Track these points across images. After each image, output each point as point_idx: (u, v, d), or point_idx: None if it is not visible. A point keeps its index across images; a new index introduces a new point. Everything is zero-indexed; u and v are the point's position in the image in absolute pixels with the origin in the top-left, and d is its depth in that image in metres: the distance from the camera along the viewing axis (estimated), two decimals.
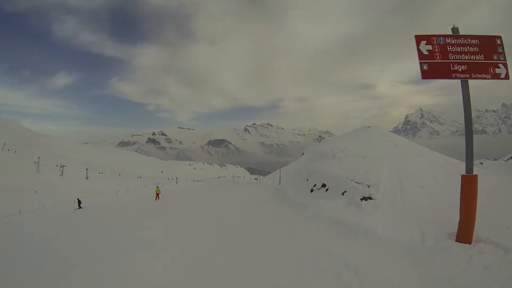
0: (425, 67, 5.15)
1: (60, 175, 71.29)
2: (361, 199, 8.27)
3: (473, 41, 5.19)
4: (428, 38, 5.20)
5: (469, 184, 4.98)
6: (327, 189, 10.29)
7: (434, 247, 4.90)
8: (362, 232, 6.30)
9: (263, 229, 7.78)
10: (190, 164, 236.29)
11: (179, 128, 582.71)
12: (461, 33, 5.25)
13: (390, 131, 21.50)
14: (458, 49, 5.19)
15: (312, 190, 11.11)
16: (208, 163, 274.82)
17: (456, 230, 5.07)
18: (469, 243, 4.78)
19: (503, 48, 5.19)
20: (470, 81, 5.16)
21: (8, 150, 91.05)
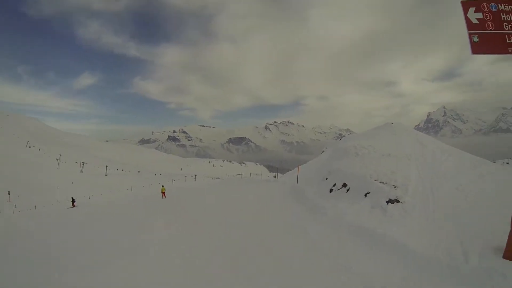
0: (475, 39, 4.21)
1: (81, 171, 73.95)
2: (387, 202, 7.29)
3: None
4: (477, 4, 4.26)
5: None
6: (348, 189, 9.36)
7: (481, 268, 4.02)
8: (389, 244, 5.33)
9: (274, 238, 6.72)
10: (209, 162, 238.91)
11: (200, 126, 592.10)
12: None
13: None
14: None
15: (331, 190, 10.21)
16: (227, 161, 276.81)
17: (505, 246, 4.29)
18: None
19: None
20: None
21: (30, 147, 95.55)
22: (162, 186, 26.07)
